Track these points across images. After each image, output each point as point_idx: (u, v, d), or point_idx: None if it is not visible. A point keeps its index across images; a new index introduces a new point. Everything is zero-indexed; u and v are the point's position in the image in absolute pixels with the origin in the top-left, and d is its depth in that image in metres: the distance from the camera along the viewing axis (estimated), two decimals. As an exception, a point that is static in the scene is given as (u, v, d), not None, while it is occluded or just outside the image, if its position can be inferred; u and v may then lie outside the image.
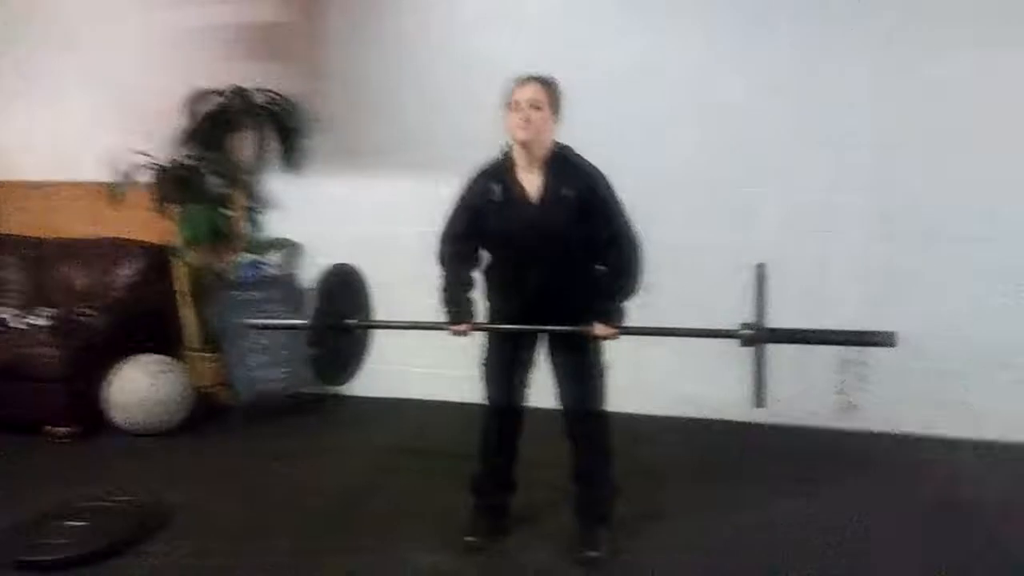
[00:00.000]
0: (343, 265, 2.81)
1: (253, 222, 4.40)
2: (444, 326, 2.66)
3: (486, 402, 2.79)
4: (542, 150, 2.52)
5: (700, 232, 3.86)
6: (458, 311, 2.64)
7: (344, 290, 2.81)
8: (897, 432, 3.77)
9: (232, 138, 4.31)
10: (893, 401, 3.80)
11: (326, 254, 4.32)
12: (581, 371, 2.67)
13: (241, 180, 4.31)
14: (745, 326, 2.35)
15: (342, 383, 2.92)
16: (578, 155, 2.58)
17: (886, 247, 3.73)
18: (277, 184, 4.39)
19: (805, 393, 3.82)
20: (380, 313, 2.90)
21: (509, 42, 3.96)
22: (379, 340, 2.91)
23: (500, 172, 2.58)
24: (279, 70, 4.27)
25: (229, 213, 4.30)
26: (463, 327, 2.63)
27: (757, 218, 3.83)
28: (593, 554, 2.68)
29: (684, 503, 3.09)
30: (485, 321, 2.72)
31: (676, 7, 3.82)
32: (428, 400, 4.30)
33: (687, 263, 3.78)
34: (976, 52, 3.48)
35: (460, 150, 4.03)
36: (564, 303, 2.57)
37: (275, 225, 4.43)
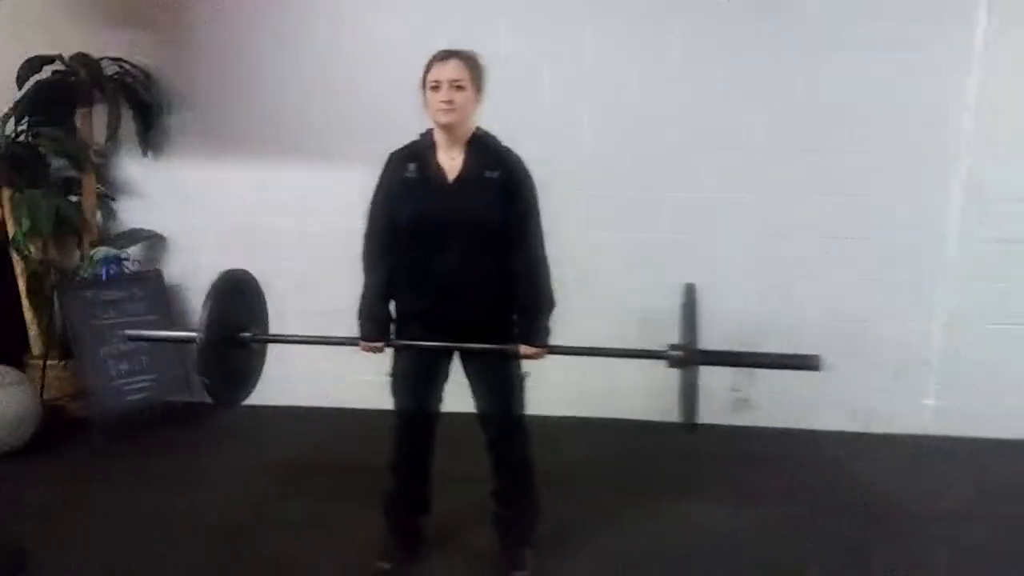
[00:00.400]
0: (236, 271, 2.51)
1: (107, 211, 3.88)
2: (354, 342, 2.42)
3: (396, 415, 2.56)
4: (465, 132, 2.35)
5: (598, 232, 3.80)
6: (374, 326, 2.41)
7: (238, 298, 2.50)
8: (788, 428, 3.88)
9: (78, 114, 3.77)
10: (782, 396, 3.90)
11: (193, 248, 4.01)
12: (499, 381, 2.48)
13: (90, 162, 3.78)
14: (674, 347, 2.28)
15: (237, 404, 2.60)
16: (498, 140, 2.42)
17: (776, 243, 3.81)
18: (134, 168, 3.90)
19: (701, 390, 3.86)
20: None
21: (400, 22, 3.70)
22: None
23: (417, 152, 2.39)
24: (134, 38, 3.76)
25: (77, 201, 3.77)
26: (378, 345, 2.41)
27: (655, 216, 3.81)
28: (519, 574, 2.56)
29: (602, 512, 3.02)
30: (393, 320, 2.48)
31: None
32: (327, 408, 4.00)
33: (585, 263, 3.69)
34: (860, 54, 3.59)
35: (345, 134, 3.86)
36: (479, 298, 2.38)
37: (133, 215, 3.94)
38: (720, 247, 3.82)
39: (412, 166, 2.36)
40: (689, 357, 2.22)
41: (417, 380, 2.51)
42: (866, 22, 3.58)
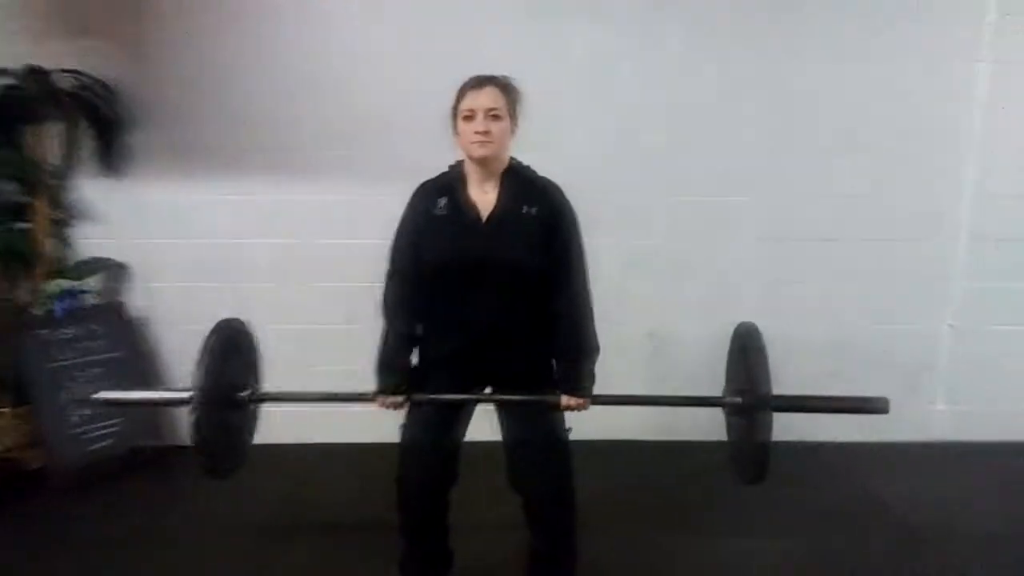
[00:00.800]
0: (231, 321, 2.26)
1: (62, 239, 3.50)
2: (371, 397, 2.17)
3: (407, 475, 2.23)
4: (500, 165, 2.15)
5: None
6: (394, 379, 2.16)
7: (234, 352, 2.23)
8: (796, 440, 3.71)
9: (29, 132, 3.40)
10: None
11: (160, 277, 3.65)
12: (539, 437, 2.18)
13: (43, 185, 3.40)
14: (737, 393, 2.12)
15: (232, 474, 2.26)
16: (535, 172, 2.21)
17: (779, 247, 3.68)
18: (94, 190, 3.53)
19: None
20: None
21: (389, 24, 3.46)
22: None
23: (447, 185, 2.18)
24: (92, 48, 3.41)
25: (28, 228, 3.38)
26: (398, 400, 2.15)
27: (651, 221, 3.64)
28: None
29: (639, 549, 2.78)
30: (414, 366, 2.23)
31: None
32: (314, 444, 3.67)
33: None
34: (864, 52, 3.50)
35: (332, 149, 3.56)
36: (515, 342, 2.16)
37: (93, 242, 3.56)
38: (719, 252, 3.67)
39: (442, 202, 2.14)
40: (761, 403, 2.04)
41: (436, 436, 2.20)
42: (867, 18, 3.48)
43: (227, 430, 2.17)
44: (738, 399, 2.17)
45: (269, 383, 3.56)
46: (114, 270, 3.58)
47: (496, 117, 2.06)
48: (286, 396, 2.33)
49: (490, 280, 2.10)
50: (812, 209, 3.64)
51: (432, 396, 2.18)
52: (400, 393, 2.16)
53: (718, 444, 2.40)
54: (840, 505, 3.15)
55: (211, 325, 2.18)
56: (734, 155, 3.59)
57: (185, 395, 2.04)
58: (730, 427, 2.33)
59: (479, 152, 2.07)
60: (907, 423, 3.73)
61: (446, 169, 2.23)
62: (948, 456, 3.66)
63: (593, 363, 2.17)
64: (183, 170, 3.53)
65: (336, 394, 2.30)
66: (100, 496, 3.18)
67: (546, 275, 2.11)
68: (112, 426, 3.37)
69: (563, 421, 2.21)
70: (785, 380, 3.30)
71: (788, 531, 2.92)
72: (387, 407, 2.17)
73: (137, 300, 3.63)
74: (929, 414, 3.80)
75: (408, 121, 3.45)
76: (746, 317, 3.62)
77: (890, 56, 3.51)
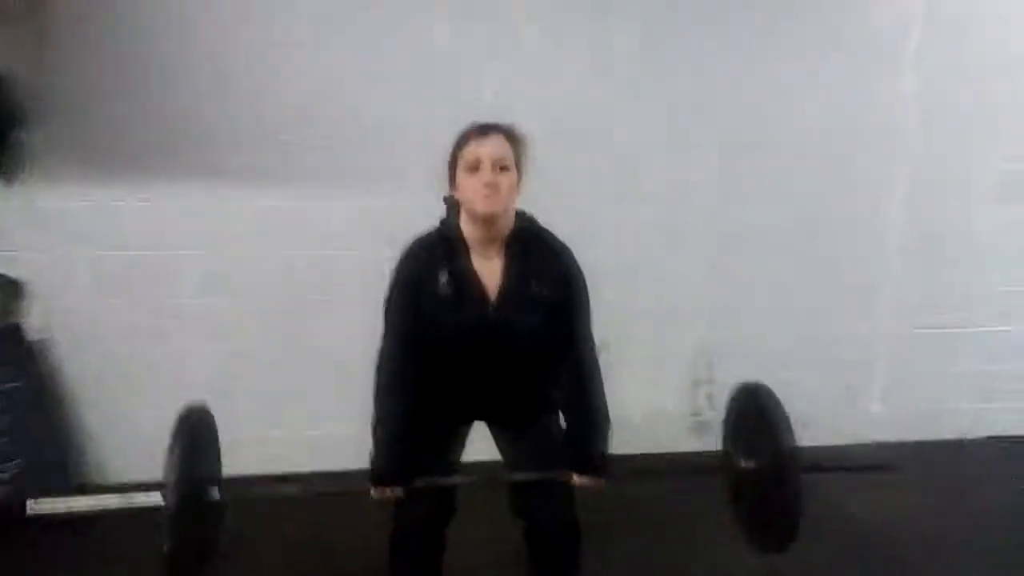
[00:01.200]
0: (195, 408, 1.96)
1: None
2: (360, 488, 1.93)
3: (399, 509, 2.04)
4: (507, 224, 1.93)
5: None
6: (393, 467, 1.91)
7: (200, 442, 1.94)
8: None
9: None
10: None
11: (63, 294, 3.20)
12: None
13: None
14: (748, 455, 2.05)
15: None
16: (546, 230, 2.01)
17: (725, 254, 3.66)
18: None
19: (658, 416, 3.66)
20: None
21: (326, 7, 3.17)
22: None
23: (447, 255, 1.92)
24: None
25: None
26: (398, 492, 1.92)
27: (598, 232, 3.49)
28: None
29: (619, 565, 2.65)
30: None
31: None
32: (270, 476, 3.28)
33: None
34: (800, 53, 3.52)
35: (259, 151, 3.20)
36: (518, 404, 2.06)
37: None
38: (667, 261, 3.62)
39: (443, 278, 1.90)
40: (789, 465, 1.93)
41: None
42: (804, 21, 3.51)
43: (200, 532, 1.85)
44: (752, 462, 2.04)
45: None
46: (8, 287, 3.10)
47: (503, 168, 1.84)
48: (266, 494, 2.01)
49: (495, 362, 1.97)
50: (758, 218, 3.64)
51: (431, 481, 1.97)
52: (400, 483, 1.91)
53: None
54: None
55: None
56: (682, 165, 3.54)
57: (151, 499, 1.73)
58: (739, 490, 2.18)
59: (486, 207, 1.83)
60: (846, 425, 3.83)
61: (436, 225, 1.99)
62: (886, 456, 3.76)
63: (607, 440, 1.99)
64: (91, 170, 3.10)
65: (324, 490, 2.12)
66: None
67: (552, 346, 1.97)
68: (10, 470, 2.90)
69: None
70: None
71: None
72: (385, 498, 1.92)
73: (34, 320, 3.16)
74: (866, 415, 3.92)
75: (350, 120, 3.22)
76: (698, 326, 3.73)
77: (829, 65, 3.56)
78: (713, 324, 3.71)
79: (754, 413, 2.09)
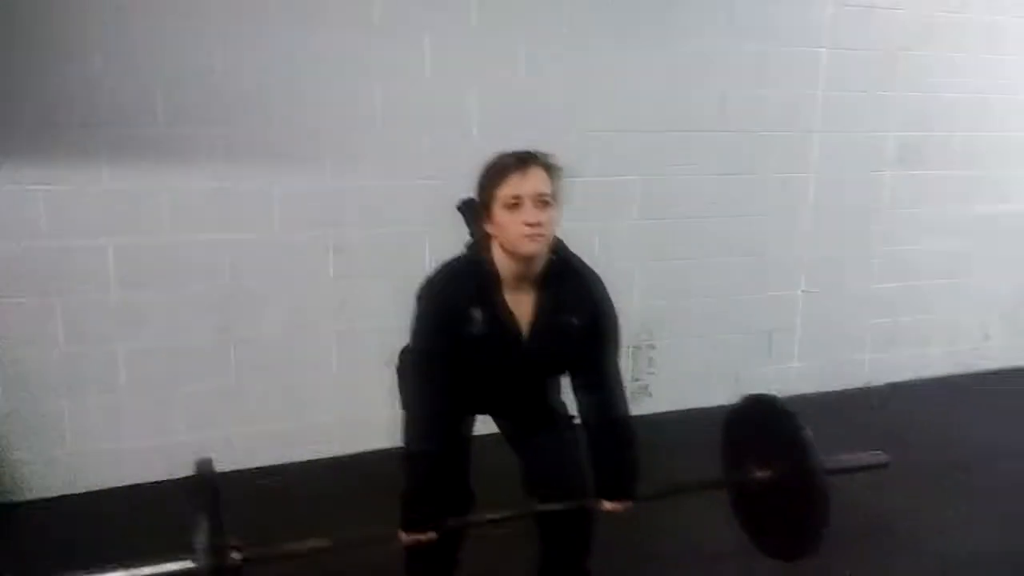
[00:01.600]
0: (204, 465, 1.76)
1: None
2: (394, 535, 1.81)
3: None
4: (543, 260, 1.85)
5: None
6: (427, 512, 1.81)
7: (215, 502, 1.74)
8: (682, 409, 3.91)
9: None
10: (677, 379, 3.92)
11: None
12: (565, 450, 2.05)
13: None
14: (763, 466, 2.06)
15: None
16: (577, 258, 1.95)
17: (657, 225, 3.74)
18: None
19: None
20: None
21: None
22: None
23: (480, 293, 1.84)
24: None
25: None
26: (432, 535, 1.81)
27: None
28: None
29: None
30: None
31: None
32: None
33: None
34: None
35: (183, 125, 2.89)
36: (529, 411, 2.08)
37: None
38: (603, 233, 3.60)
39: (476, 316, 1.81)
40: (816, 474, 1.93)
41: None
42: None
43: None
44: (768, 472, 2.06)
45: (127, 412, 2.96)
46: None
47: (546, 203, 1.76)
48: (287, 551, 1.80)
49: (521, 386, 2.01)
50: (685, 187, 3.74)
51: (461, 522, 1.93)
52: (435, 528, 1.81)
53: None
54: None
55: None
56: (619, 135, 3.54)
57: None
58: (753, 504, 2.18)
59: (530, 248, 1.75)
60: (766, 381, 4.05)
61: (463, 251, 1.95)
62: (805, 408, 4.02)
63: (638, 466, 1.98)
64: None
65: (348, 539, 1.89)
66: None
67: (580, 371, 1.97)
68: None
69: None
70: (669, 354, 3.28)
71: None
72: (416, 543, 1.82)
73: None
74: (786, 371, 4.17)
75: (289, 94, 2.99)
76: (632, 294, 3.78)
77: (752, 39, 3.66)
78: (650, 291, 3.79)
79: (766, 424, 2.12)
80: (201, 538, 1.51)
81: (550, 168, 1.79)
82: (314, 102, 3.03)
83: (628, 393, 2.02)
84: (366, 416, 3.21)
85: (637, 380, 3.84)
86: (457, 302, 1.82)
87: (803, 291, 4.10)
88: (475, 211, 1.88)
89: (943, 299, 4.38)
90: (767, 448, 2.07)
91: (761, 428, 2.12)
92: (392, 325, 2.06)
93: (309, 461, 3.26)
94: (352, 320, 3.26)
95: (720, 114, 3.69)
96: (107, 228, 2.88)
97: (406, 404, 1.88)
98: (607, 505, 1.94)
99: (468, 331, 1.81)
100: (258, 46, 2.93)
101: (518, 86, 3.33)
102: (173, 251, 2.97)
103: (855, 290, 4.20)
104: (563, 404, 2.11)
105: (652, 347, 3.84)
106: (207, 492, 1.64)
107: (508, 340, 1.85)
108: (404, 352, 2.02)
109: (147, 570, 1.49)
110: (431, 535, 1.81)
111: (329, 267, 3.19)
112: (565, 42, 3.37)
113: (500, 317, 1.83)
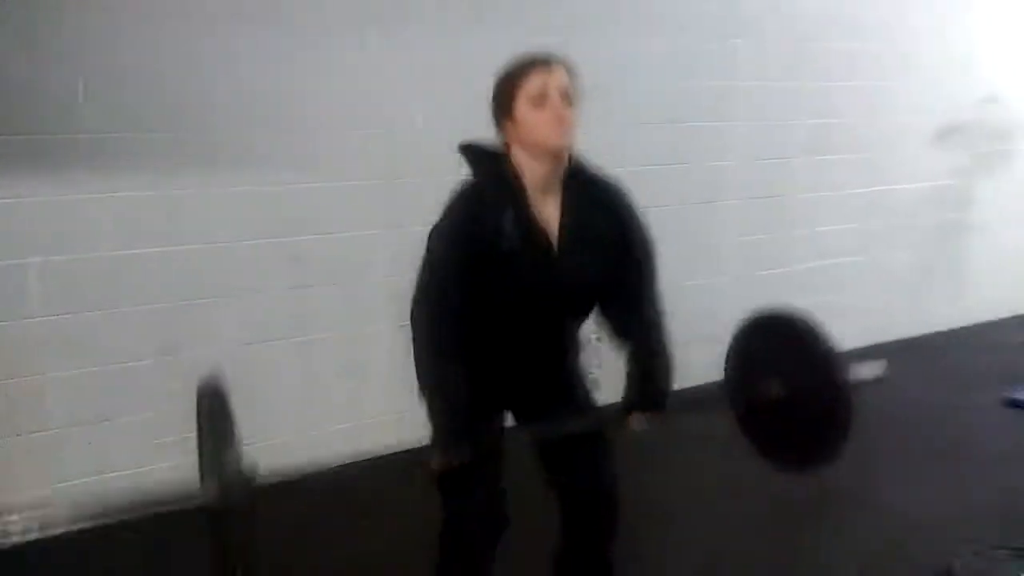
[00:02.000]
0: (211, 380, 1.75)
1: None
2: (420, 457, 1.74)
3: (452, 520, 1.89)
4: (565, 164, 1.83)
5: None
6: (464, 438, 1.72)
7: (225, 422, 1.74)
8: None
9: None
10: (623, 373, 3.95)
11: None
12: (590, 434, 1.99)
13: None
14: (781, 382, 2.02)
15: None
16: (595, 165, 1.93)
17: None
18: None
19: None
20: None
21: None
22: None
23: (507, 198, 1.76)
24: None
25: None
26: (463, 455, 1.72)
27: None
28: None
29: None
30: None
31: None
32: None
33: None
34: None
35: (120, 130, 2.73)
36: (556, 377, 2.02)
37: None
38: None
39: (508, 227, 1.72)
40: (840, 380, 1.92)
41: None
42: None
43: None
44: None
45: (52, 445, 2.68)
46: None
47: (570, 102, 1.75)
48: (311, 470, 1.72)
49: (553, 314, 1.88)
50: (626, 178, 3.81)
51: (491, 447, 1.81)
52: (469, 447, 1.71)
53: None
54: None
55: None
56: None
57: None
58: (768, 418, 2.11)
59: (561, 140, 1.73)
60: (699, 366, 4.19)
61: (470, 178, 1.82)
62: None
63: (671, 378, 1.96)
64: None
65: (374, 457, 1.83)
66: None
67: (616, 295, 1.92)
68: None
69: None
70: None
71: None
72: (443, 466, 1.73)
73: None
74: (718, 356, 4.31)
75: (234, 96, 2.93)
76: None
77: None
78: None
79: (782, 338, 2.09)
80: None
81: (570, 68, 1.79)
82: (261, 103, 2.92)
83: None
84: (328, 429, 3.09)
85: (591, 373, 3.86)
86: (485, 210, 1.73)
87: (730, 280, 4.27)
88: (493, 115, 1.82)
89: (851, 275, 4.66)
90: (786, 361, 2.02)
91: (777, 341, 2.10)
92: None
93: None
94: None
95: (643, 96, 3.79)
96: (29, 244, 2.66)
97: (428, 326, 1.76)
98: (636, 422, 1.90)
99: (496, 246, 1.72)
100: (200, 44, 2.82)
101: (466, 79, 3.27)
102: (108, 263, 2.79)
103: (785, 269, 4.41)
104: (583, 381, 2.10)
105: (600, 340, 3.88)
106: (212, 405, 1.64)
107: (539, 253, 1.77)
108: (415, 300, 1.85)
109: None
110: (465, 454, 1.70)
111: (284, 277, 3.08)
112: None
113: (530, 228, 1.76)
